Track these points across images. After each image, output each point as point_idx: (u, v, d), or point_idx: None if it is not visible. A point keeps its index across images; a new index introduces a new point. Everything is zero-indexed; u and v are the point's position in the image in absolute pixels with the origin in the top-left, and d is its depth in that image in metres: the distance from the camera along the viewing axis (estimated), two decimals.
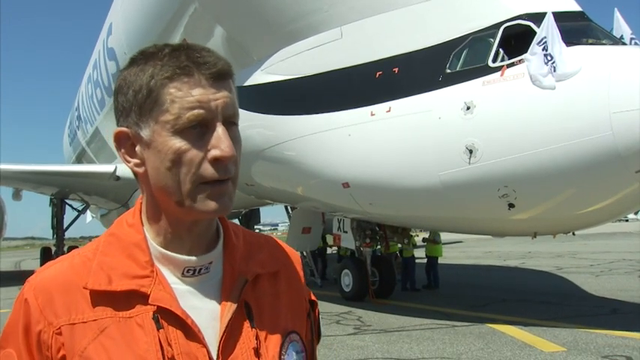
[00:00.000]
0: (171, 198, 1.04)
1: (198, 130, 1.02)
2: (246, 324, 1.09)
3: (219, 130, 1.02)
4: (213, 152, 1.01)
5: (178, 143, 1.01)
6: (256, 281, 1.14)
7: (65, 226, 23.70)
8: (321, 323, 1.33)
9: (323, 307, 10.94)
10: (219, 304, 1.09)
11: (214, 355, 1.04)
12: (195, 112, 1.01)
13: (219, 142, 1.01)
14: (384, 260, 13.05)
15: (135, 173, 1.09)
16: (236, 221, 27.90)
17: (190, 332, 1.04)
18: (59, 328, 1.02)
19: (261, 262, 1.17)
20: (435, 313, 10.32)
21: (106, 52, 19.59)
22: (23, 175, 20.67)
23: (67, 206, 24.21)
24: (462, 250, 30.10)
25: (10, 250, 78.75)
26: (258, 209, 26.63)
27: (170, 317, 1.04)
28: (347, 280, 12.42)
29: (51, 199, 24.72)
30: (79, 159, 28.27)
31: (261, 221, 32.61)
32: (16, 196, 27.25)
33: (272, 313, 1.14)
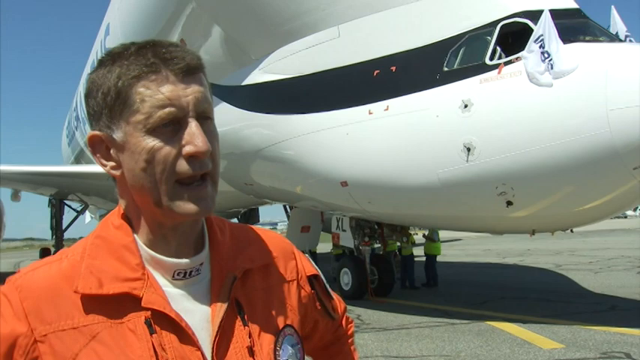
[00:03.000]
0: (149, 199, 1.01)
1: (171, 128, 0.99)
2: (239, 323, 1.07)
3: (193, 125, 1.00)
4: (187, 148, 0.99)
5: (151, 142, 0.99)
6: (246, 276, 1.12)
7: (64, 226, 23.71)
8: None
9: None
10: (210, 304, 1.07)
11: (209, 358, 1.02)
12: (167, 110, 0.98)
13: (193, 137, 0.99)
14: (383, 259, 13.07)
15: (112, 177, 1.07)
16: (235, 221, 28.06)
17: (184, 335, 1.01)
18: (44, 335, 0.98)
19: (250, 256, 1.15)
20: (433, 311, 10.33)
21: (103, 52, 19.52)
22: (22, 175, 20.64)
23: (66, 207, 24.20)
24: (460, 248, 30.12)
25: (10, 251, 78.54)
26: (257, 208, 26.64)
27: (163, 321, 1.01)
28: (346, 278, 12.43)
29: (50, 200, 24.72)
30: (78, 159, 28.24)
31: (261, 220, 32.59)
32: (15, 197, 27.19)
33: (264, 308, 1.12)
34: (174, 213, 1.01)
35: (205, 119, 1.03)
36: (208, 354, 1.03)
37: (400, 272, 14.27)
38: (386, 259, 13.23)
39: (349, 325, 1.43)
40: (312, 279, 1.26)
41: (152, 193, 1.01)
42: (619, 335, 7.73)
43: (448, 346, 7.62)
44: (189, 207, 1.01)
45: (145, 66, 1.00)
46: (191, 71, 1.02)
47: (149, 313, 1.01)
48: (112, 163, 1.06)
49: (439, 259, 14.75)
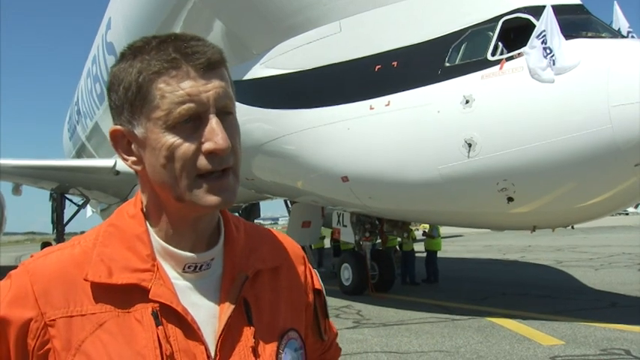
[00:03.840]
0: (171, 194, 1.02)
1: (191, 124, 0.99)
2: (245, 322, 1.07)
3: (213, 122, 0.99)
4: (207, 145, 0.98)
5: (171, 139, 0.99)
6: (256, 277, 1.12)
7: (65, 220, 23.71)
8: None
9: None
10: (219, 301, 1.07)
11: (212, 353, 1.03)
12: (186, 106, 0.98)
13: (213, 134, 0.98)
14: (384, 254, 13.08)
15: (134, 171, 1.07)
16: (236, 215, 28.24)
17: (190, 329, 1.02)
18: (53, 320, 0.99)
19: (262, 256, 1.15)
20: (434, 307, 10.35)
21: (105, 46, 19.57)
22: (23, 169, 20.65)
23: (67, 201, 24.22)
24: (461, 244, 30.14)
25: (11, 244, 78.62)
26: (258, 203, 26.65)
27: (170, 314, 1.01)
28: (346, 274, 12.45)
29: (51, 194, 24.74)
30: (79, 154, 28.27)
31: (262, 215, 32.61)
32: (16, 190, 27.21)
33: (271, 310, 1.12)
34: (196, 205, 1.01)
35: (227, 114, 1.03)
36: (212, 349, 1.03)
37: (401, 268, 14.29)
38: (386, 254, 13.24)
39: (338, 353, 1.41)
40: (315, 293, 1.26)
41: (173, 189, 1.01)
42: (619, 332, 7.74)
43: (448, 341, 7.63)
44: (211, 198, 1.00)
45: (165, 61, 0.99)
46: (212, 66, 1.02)
47: (157, 304, 1.01)
48: (133, 158, 1.06)
49: (440, 254, 14.76)
